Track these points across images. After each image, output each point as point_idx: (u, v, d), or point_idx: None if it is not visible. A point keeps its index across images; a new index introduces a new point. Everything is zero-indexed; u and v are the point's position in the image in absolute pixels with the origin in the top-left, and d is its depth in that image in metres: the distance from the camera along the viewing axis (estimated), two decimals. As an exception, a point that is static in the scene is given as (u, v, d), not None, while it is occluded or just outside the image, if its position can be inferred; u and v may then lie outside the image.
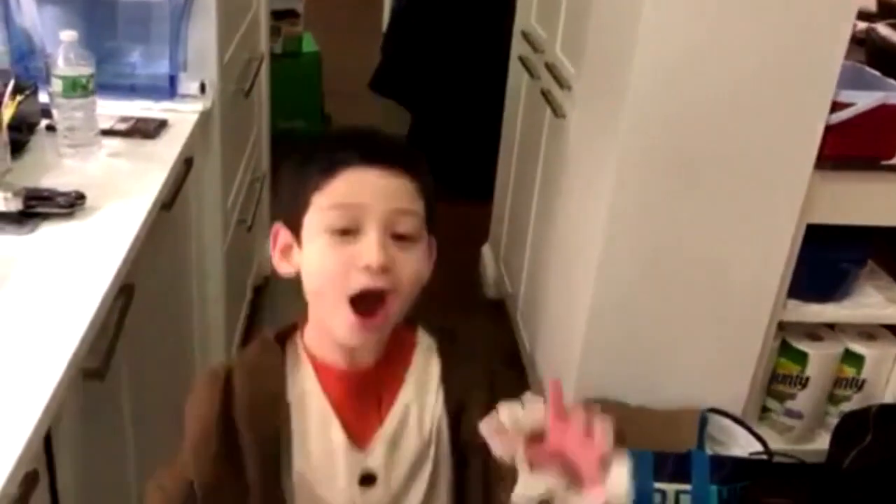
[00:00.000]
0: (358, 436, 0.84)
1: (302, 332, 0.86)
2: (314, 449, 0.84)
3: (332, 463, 0.84)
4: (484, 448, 0.77)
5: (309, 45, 3.76)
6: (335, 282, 0.78)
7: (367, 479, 0.84)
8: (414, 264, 0.79)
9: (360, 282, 0.77)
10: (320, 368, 0.84)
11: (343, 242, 0.77)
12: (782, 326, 1.90)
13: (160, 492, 0.89)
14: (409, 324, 0.88)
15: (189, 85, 1.72)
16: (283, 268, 0.83)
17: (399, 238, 0.78)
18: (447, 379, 0.86)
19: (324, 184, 0.78)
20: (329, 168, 0.78)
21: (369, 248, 0.76)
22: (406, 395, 0.85)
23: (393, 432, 0.84)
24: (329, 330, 0.81)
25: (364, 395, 0.85)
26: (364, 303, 0.77)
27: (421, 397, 0.85)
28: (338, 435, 0.84)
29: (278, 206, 0.87)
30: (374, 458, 0.84)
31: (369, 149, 0.79)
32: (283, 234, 0.83)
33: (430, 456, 0.86)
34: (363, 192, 0.77)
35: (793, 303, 1.86)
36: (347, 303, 0.77)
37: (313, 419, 0.84)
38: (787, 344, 1.96)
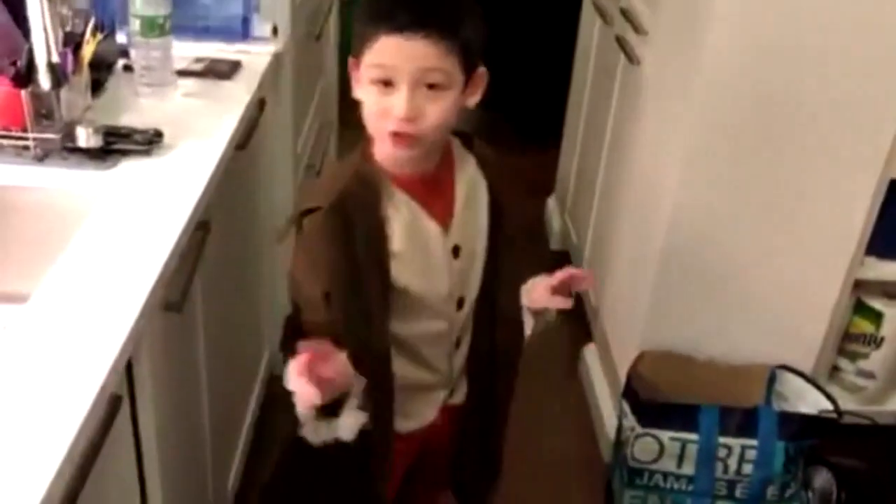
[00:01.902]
0: (442, 222, 1.08)
1: (368, 154, 1.06)
2: (412, 240, 1.06)
3: (431, 246, 1.08)
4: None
5: (377, -9, 3.73)
6: (378, 122, 1.00)
7: (455, 251, 1.10)
8: (440, 108, 0.98)
9: (393, 126, 0.98)
10: (400, 180, 1.05)
11: (383, 92, 0.97)
12: (858, 284, 1.85)
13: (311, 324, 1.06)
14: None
15: (262, 27, 1.73)
16: (357, 94, 1.03)
17: (430, 87, 0.97)
18: (482, 165, 1.12)
19: (369, 44, 0.97)
20: (373, 33, 0.96)
21: (399, 101, 0.97)
22: (461, 186, 1.10)
23: (461, 212, 1.10)
24: (382, 150, 1.03)
25: (436, 192, 1.08)
26: (400, 136, 0.99)
27: (472, 187, 1.11)
28: (430, 225, 1.07)
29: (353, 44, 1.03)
30: (455, 235, 1.09)
31: (404, 16, 0.94)
32: (354, 68, 1.02)
33: (483, 230, 1.12)
34: (395, 55, 0.95)
35: (870, 260, 1.80)
36: (387, 135, 0.99)
37: (407, 218, 1.05)
38: (861, 302, 1.90)
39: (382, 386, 1.09)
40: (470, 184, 1.11)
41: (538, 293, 1.17)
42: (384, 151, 1.03)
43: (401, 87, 0.96)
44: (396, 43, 0.95)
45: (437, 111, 0.98)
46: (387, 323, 1.08)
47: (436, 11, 0.97)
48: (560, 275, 1.16)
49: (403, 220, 1.05)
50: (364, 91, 1.00)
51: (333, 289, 1.03)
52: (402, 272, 1.06)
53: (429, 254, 1.08)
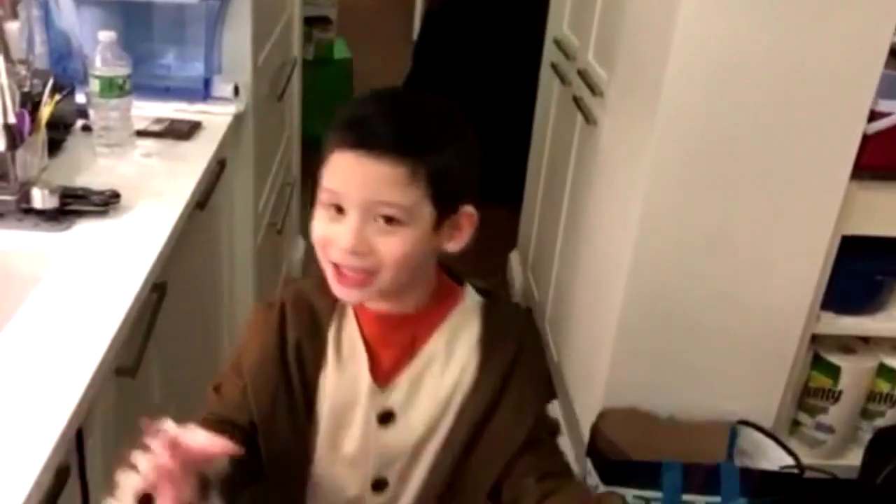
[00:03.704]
0: (384, 376, 0.89)
1: None
2: (341, 384, 0.89)
3: (355, 399, 0.89)
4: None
5: (341, 51, 3.79)
6: (323, 250, 0.84)
7: (386, 417, 0.89)
8: (396, 246, 0.81)
9: (337, 257, 0.83)
10: (360, 310, 0.90)
11: (332, 218, 0.83)
12: (815, 339, 1.87)
13: (215, 394, 0.96)
14: (456, 279, 0.93)
15: (223, 87, 1.73)
16: None
17: (388, 220, 0.81)
18: (486, 343, 0.89)
19: (324, 162, 0.84)
20: (330, 145, 0.83)
21: (345, 232, 0.81)
22: (436, 344, 0.89)
23: (418, 374, 0.88)
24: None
25: (397, 339, 0.89)
26: (347, 271, 0.83)
27: (451, 350, 0.89)
28: (364, 372, 0.89)
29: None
30: (395, 396, 0.89)
31: (361, 132, 0.81)
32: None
33: (451, 411, 0.89)
34: (346, 179, 0.81)
35: (826, 315, 1.83)
36: (332, 267, 0.84)
37: (347, 355, 0.89)
38: (819, 357, 1.93)
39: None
40: (448, 351, 0.89)
41: None
42: (333, 288, 0.85)
43: (349, 215, 0.81)
44: (349, 163, 0.80)
45: (390, 248, 0.81)
46: (307, 455, 0.92)
47: (402, 129, 0.81)
48: None
49: (344, 357, 0.90)
50: (316, 213, 0.84)
51: (250, 387, 0.90)
52: (324, 419, 0.91)
53: (349, 408, 0.90)
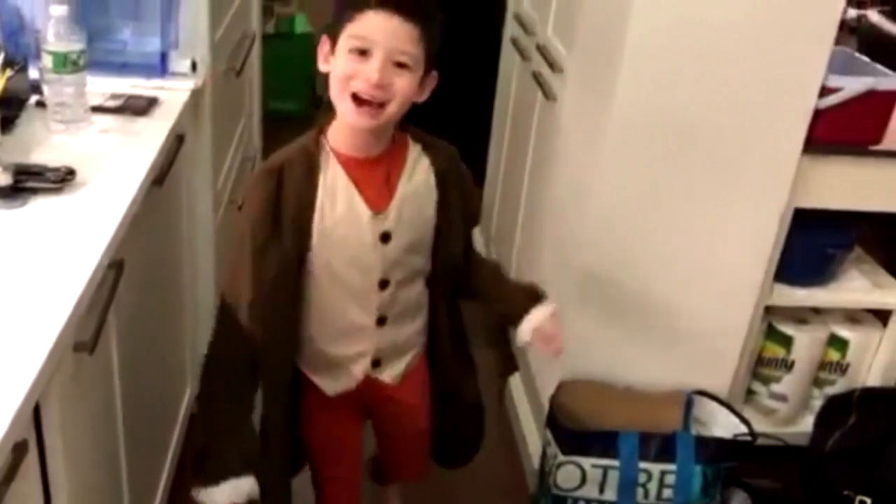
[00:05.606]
0: (375, 206, 1.19)
1: (325, 134, 1.20)
2: (341, 217, 1.18)
3: (360, 227, 1.19)
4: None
5: (302, 25, 3.75)
6: (345, 83, 1.12)
7: (385, 237, 1.20)
8: (405, 84, 1.12)
9: (360, 87, 1.11)
10: (342, 158, 1.19)
11: (357, 59, 1.11)
12: (769, 310, 1.92)
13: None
14: (404, 133, 1.25)
15: (180, 63, 1.71)
16: (323, 67, 1.16)
17: (398, 65, 1.11)
18: (434, 163, 1.24)
19: (354, 18, 1.11)
20: (362, 8, 1.10)
21: (372, 68, 1.10)
22: (407, 175, 1.22)
23: (400, 202, 1.20)
24: (342, 116, 1.15)
25: (377, 177, 1.20)
26: (364, 102, 1.12)
27: (417, 178, 1.22)
28: (361, 206, 1.19)
29: (331, 24, 1.16)
30: (389, 221, 1.20)
31: (389, 1, 1.10)
32: (326, 44, 1.16)
33: (425, 217, 1.24)
34: (376, 30, 1.10)
35: (779, 287, 1.87)
36: (350, 98, 1.12)
37: (340, 196, 1.18)
38: (773, 327, 1.97)
39: (283, 355, 1.26)
40: (417, 180, 1.22)
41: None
42: (344, 119, 1.14)
43: (376, 57, 1.10)
44: (380, 19, 1.09)
45: (402, 86, 1.12)
46: (298, 292, 1.22)
47: (416, 5, 1.12)
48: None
49: (337, 198, 1.18)
50: (338, 59, 1.12)
51: (250, 244, 1.17)
52: (326, 247, 1.19)
53: (357, 234, 1.19)
